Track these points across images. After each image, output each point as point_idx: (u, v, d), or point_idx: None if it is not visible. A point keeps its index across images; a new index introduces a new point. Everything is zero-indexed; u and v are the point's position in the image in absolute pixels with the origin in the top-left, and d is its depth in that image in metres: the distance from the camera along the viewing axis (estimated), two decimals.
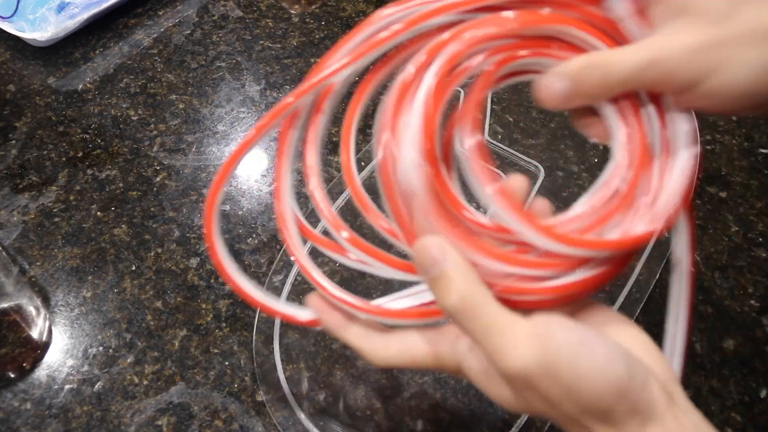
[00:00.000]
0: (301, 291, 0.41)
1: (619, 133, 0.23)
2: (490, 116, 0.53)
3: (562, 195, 0.47)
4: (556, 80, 0.22)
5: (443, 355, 0.23)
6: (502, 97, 0.55)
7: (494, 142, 0.50)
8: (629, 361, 0.20)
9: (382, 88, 0.24)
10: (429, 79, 0.23)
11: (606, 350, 0.20)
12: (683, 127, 0.22)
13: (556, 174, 0.49)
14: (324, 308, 0.25)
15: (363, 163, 0.48)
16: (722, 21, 0.19)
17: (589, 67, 0.21)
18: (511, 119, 0.53)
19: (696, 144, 0.22)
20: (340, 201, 0.46)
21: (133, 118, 0.51)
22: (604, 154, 0.51)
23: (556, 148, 0.51)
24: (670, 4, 0.20)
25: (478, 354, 0.21)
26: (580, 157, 0.50)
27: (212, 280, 0.41)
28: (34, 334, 0.38)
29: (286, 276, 0.42)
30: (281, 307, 0.26)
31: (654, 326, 0.41)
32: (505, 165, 0.49)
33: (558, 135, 0.52)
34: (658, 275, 0.43)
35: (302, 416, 0.36)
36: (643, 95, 0.22)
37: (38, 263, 0.41)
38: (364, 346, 0.24)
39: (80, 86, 0.53)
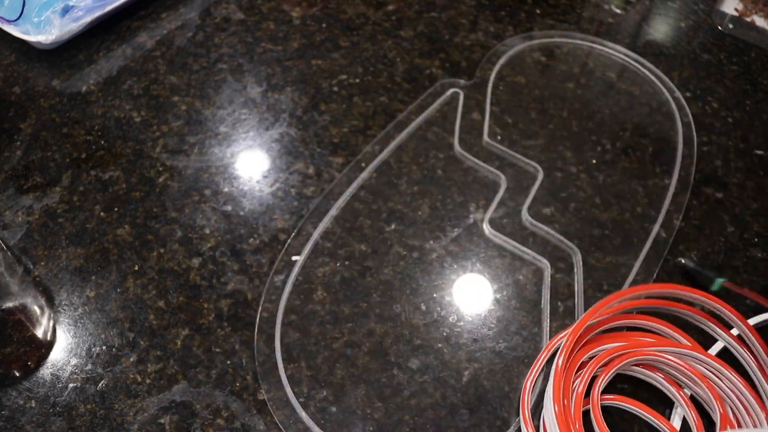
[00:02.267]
0: (302, 291, 0.41)
1: None
2: (490, 117, 0.53)
3: (560, 195, 0.48)
4: None
5: None
6: (501, 98, 0.55)
7: (493, 142, 0.51)
8: None
9: None
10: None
11: None
12: None
13: (555, 175, 0.49)
14: None
15: (363, 164, 0.49)
16: None
17: None
18: (510, 120, 0.53)
19: None
20: (341, 201, 0.46)
21: (135, 119, 0.51)
22: (602, 155, 0.51)
23: (555, 149, 0.51)
24: None
25: None
26: (579, 158, 0.51)
27: (214, 280, 0.42)
28: (39, 333, 0.39)
29: (288, 276, 0.42)
30: None
31: None
32: (504, 165, 0.50)
33: (557, 136, 0.52)
34: (655, 275, 0.43)
35: (303, 415, 0.36)
36: None
37: (42, 263, 0.42)
38: None
39: (84, 88, 0.53)
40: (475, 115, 0.53)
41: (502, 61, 0.59)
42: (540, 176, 0.49)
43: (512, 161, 0.50)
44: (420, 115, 0.53)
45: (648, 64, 0.60)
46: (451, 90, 0.55)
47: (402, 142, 0.51)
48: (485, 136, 0.51)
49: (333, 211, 0.46)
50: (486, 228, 0.46)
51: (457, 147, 0.51)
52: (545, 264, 0.44)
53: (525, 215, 0.46)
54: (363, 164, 0.49)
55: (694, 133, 0.53)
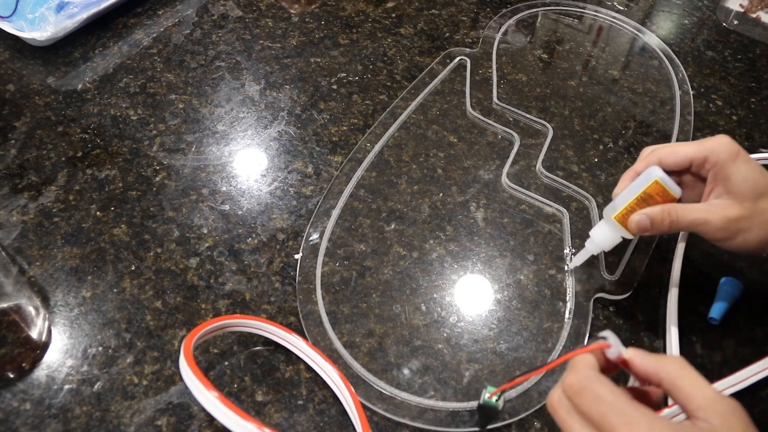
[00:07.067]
0: (301, 291, 0.41)
1: None
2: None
3: (562, 194, 0.47)
4: (643, 217, 0.35)
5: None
6: (504, 96, 0.55)
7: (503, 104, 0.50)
8: None
9: None
10: None
11: None
12: None
13: (558, 173, 0.49)
14: None
15: (368, 145, 0.48)
16: (749, 207, 0.34)
17: (664, 213, 0.35)
18: (512, 120, 0.53)
19: None
20: (341, 201, 0.46)
21: (132, 117, 0.51)
22: (604, 154, 0.51)
23: (557, 147, 0.51)
24: (722, 187, 0.35)
25: None
26: (581, 156, 0.50)
27: (212, 280, 0.41)
28: (34, 334, 0.38)
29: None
30: None
31: (652, 325, 0.41)
32: (512, 125, 0.49)
33: (558, 135, 0.52)
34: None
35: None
36: None
37: (37, 263, 0.41)
38: None
39: (80, 86, 0.53)
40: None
41: (501, 59, 0.58)
42: (550, 133, 0.48)
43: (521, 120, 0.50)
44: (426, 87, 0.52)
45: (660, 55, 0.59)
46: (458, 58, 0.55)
47: (409, 116, 0.50)
48: (495, 99, 0.51)
49: (334, 210, 0.45)
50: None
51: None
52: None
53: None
54: (368, 145, 0.48)
55: (692, 129, 0.53)
